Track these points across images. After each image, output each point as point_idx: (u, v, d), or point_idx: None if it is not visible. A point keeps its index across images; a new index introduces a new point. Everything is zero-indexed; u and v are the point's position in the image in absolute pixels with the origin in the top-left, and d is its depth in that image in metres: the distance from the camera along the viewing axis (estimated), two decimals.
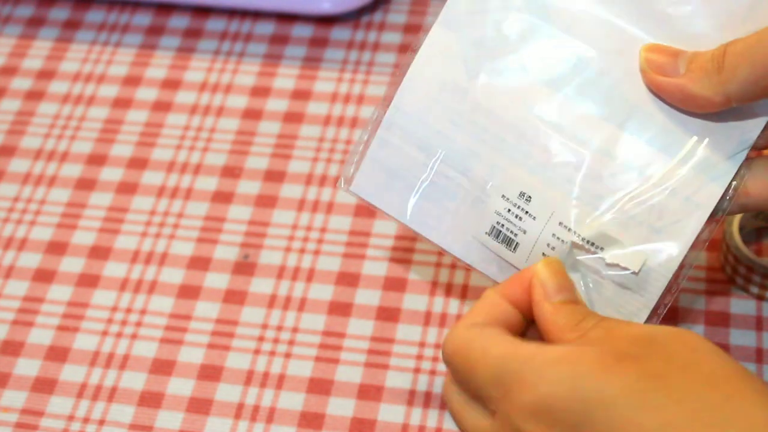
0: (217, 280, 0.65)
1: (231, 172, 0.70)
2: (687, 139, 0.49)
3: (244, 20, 0.79)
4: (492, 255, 0.52)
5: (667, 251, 0.49)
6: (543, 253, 0.50)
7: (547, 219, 0.50)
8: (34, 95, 0.76)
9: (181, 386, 0.61)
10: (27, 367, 0.62)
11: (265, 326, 0.63)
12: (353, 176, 0.54)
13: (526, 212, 0.51)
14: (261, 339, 0.62)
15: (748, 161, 0.50)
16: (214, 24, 0.79)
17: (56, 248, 0.67)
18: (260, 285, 0.65)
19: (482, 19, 0.52)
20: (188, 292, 0.65)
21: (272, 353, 0.62)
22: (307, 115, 0.73)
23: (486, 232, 0.52)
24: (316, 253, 0.66)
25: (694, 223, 0.49)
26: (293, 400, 0.60)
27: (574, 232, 0.50)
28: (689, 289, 0.62)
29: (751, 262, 0.60)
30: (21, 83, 0.77)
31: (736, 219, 0.62)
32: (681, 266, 0.49)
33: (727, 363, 0.44)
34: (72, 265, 0.66)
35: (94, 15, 0.81)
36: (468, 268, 0.53)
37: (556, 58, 0.51)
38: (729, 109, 0.48)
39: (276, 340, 0.62)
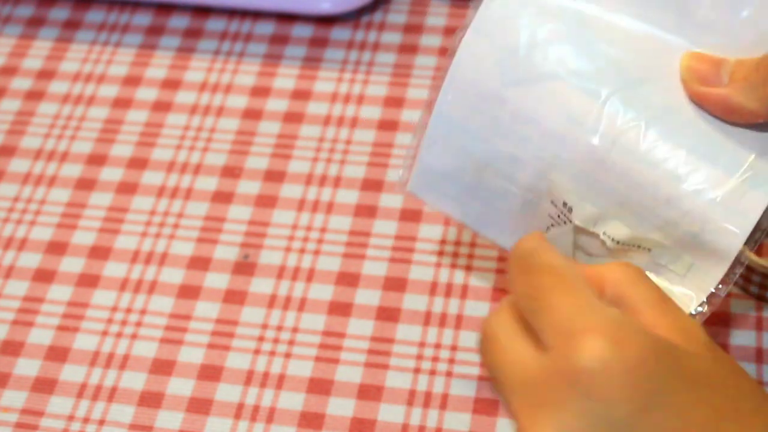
0: (217, 280, 0.65)
1: (231, 172, 0.70)
2: (731, 148, 0.48)
3: (244, 20, 0.79)
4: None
5: (709, 261, 0.48)
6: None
7: (592, 227, 0.50)
8: (34, 95, 0.76)
9: (181, 386, 0.61)
10: (27, 367, 0.62)
11: (265, 326, 0.63)
12: (409, 177, 0.54)
13: (570, 221, 0.50)
14: (261, 339, 0.62)
15: None
16: (214, 24, 0.79)
17: (56, 248, 0.67)
18: (260, 285, 0.65)
19: (515, 25, 0.51)
20: (188, 292, 0.65)
21: (272, 353, 0.62)
22: (307, 115, 0.73)
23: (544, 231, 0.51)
24: (316, 253, 0.66)
25: (739, 233, 0.48)
26: (293, 400, 0.60)
27: (617, 241, 0.49)
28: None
29: (751, 262, 0.60)
30: (21, 83, 0.77)
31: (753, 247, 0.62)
32: (726, 275, 0.48)
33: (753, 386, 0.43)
34: (72, 265, 0.66)
35: (94, 15, 0.81)
36: None
37: (593, 66, 0.50)
38: None
39: (276, 340, 0.62)
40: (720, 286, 0.48)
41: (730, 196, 0.48)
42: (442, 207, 0.54)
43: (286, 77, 0.75)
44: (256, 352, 0.62)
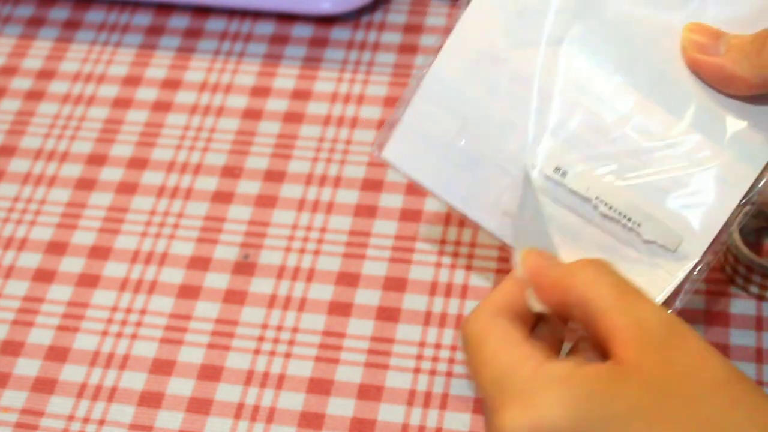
0: (217, 280, 0.65)
1: (231, 172, 0.70)
2: (725, 119, 0.50)
3: (244, 20, 0.79)
4: (517, 224, 0.52)
5: (700, 230, 0.49)
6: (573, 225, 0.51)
7: (585, 193, 0.50)
8: (34, 95, 0.76)
9: (181, 386, 0.61)
10: (27, 367, 0.62)
11: (265, 326, 0.63)
12: (386, 142, 0.53)
13: (562, 185, 0.51)
14: (261, 339, 0.62)
15: None
16: (214, 24, 0.79)
17: (56, 248, 0.67)
18: (260, 285, 0.65)
19: None
20: (188, 292, 0.65)
21: (272, 353, 0.62)
22: (307, 115, 0.73)
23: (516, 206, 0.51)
24: (316, 253, 0.66)
25: (727, 203, 0.49)
26: (293, 400, 0.60)
27: (609, 206, 0.50)
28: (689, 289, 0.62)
29: (751, 262, 0.60)
30: (21, 83, 0.77)
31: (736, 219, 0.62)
32: (711, 245, 0.49)
33: (725, 365, 0.44)
34: (72, 265, 0.66)
35: (94, 15, 0.81)
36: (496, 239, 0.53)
37: (599, 35, 0.51)
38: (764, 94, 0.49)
39: (276, 340, 0.62)
40: (707, 258, 0.49)
41: (721, 167, 0.49)
42: (418, 177, 0.52)
43: (286, 77, 0.75)
44: (256, 352, 0.62)
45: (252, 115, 0.73)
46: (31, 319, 0.64)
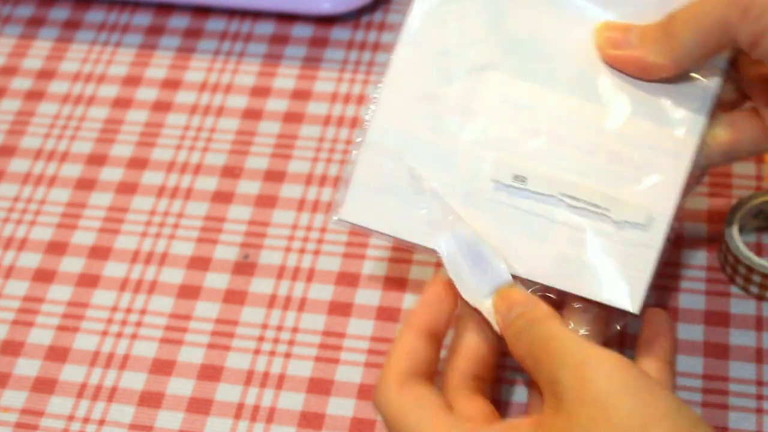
0: (217, 280, 0.65)
1: (231, 172, 0.70)
2: (656, 100, 0.53)
3: (244, 20, 0.79)
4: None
5: (660, 201, 0.52)
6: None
7: (548, 192, 0.52)
8: (34, 95, 0.76)
9: (181, 386, 0.61)
10: (27, 367, 0.62)
11: (265, 326, 0.63)
12: (343, 204, 0.55)
13: (524, 190, 0.53)
14: (261, 339, 0.62)
15: (729, 116, 0.54)
16: (214, 24, 0.79)
17: (56, 248, 0.67)
18: (260, 285, 0.65)
19: (444, 31, 0.55)
20: (188, 292, 0.65)
21: (272, 353, 0.62)
22: (307, 115, 0.73)
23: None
24: (316, 253, 0.66)
25: (678, 172, 0.52)
26: (293, 400, 0.60)
27: (576, 198, 0.52)
28: (689, 289, 0.62)
29: (751, 262, 0.61)
30: (21, 83, 0.77)
31: (736, 219, 0.62)
32: (674, 214, 0.52)
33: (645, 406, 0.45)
34: (72, 265, 0.66)
35: (94, 15, 0.81)
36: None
37: (521, 49, 0.54)
38: (687, 72, 0.52)
39: (276, 340, 0.62)
40: (674, 225, 0.52)
41: (664, 142, 0.52)
42: (380, 228, 0.54)
43: (286, 77, 0.75)
44: (256, 352, 0.62)
45: (252, 115, 0.73)
46: (31, 319, 0.64)
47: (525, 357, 0.48)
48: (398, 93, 0.55)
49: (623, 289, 0.51)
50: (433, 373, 0.51)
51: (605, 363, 0.45)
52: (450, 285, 0.52)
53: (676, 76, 0.52)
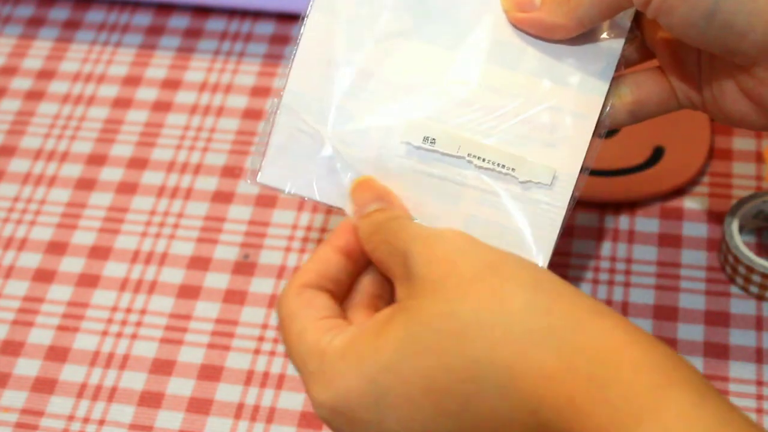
0: (217, 280, 0.65)
1: (231, 172, 0.70)
2: (561, 60, 0.54)
3: (244, 20, 0.79)
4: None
5: (567, 161, 0.53)
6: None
7: (456, 153, 0.53)
8: (34, 95, 0.76)
9: (181, 386, 0.61)
10: (27, 367, 0.62)
11: (265, 326, 0.63)
12: (261, 167, 0.55)
13: (433, 152, 0.54)
14: (261, 339, 0.62)
15: (634, 75, 0.55)
16: (214, 24, 0.79)
17: (56, 248, 0.67)
18: (260, 285, 0.65)
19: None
20: (188, 292, 0.65)
21: (272, 353, 0.62)
22: None
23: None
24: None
25: (584, 132, 0.53)
26: (293, 400, 0.60)
27: (482, 159, 0.53)
28: (689, 289, 0.62)
29: (751, 262, 0.61)
30: (21, 83, 0.77)
31: (736, 219, 0.62)
32: (580, 173, 0.53)
33: (492, 257, 0.46)
34: (72, 265, 0.66)
35: (94, 15, 0.81)
36: None
37: (431, 15, 0.55)
38: (590, 32, 0.53)
39: (276, 340, 0.62)
40: (580, 185, 0.53)
41: (570, 102, 0.54)
42: (294, 189, 0.55)
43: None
44: (256, 352, 0.62)
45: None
46: (31, 319, 0.64)
47: (378, 245, 0.49)
48: (311, 58, 0.56)
49: (530, 248, 0.52)
50: (343, 293, 0.51)
51: (453, 233, 0.47)
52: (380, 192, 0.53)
53: (580, 37, 0.53)
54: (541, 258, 0.52)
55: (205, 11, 0.80)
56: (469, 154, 0.53)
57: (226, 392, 0.60)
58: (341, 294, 0.51)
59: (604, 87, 0.54)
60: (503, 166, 0.53)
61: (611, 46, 0.54)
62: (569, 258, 0.64)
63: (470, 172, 0.53)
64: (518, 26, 0.54)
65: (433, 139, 0.53)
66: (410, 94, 0.55)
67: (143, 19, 0.80)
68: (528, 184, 0.53)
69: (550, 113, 0.54)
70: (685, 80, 0.54)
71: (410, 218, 0.51)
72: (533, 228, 0.53)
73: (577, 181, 0.53)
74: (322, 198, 0.54)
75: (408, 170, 0.54)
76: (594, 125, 0.53)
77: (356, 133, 0.54)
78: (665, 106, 0.55)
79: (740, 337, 0.60)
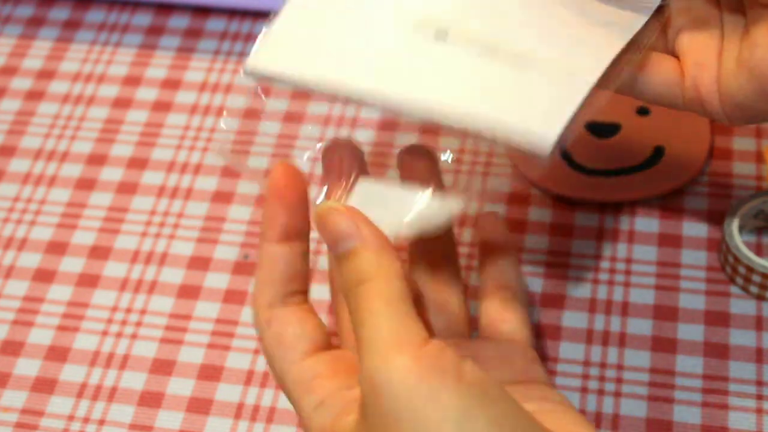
0: (217, 280, 0.65)
1: (231, 172, 0.70)
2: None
3: (244, 20, 0.79)
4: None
5: (584, 68, 0.48)
6: None
7: (468, 48, 0.49)
8: (34, 95, 0.76)
9: (181, 386, 0.61)
10: (27, 367, 0.62)
11: None
12: (256, 54, 0.49)
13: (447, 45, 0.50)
14: (261, 339, 0.62)
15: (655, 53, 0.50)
16: (214, 24, 0.79)
17: (56, 248, 0.67)
18: None
19: None
20: (188, 292, 0.65)
21: None
22: (308, 115, 0.73)
23: None
24: (317, 253, 0.66)
25: (613, 45, 0.49)
26: None
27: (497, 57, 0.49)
28: (689, 289, 0.62)
29: (751, 262, 0.61)
30: (21, 83, 0.77)
31: (736, 219, 0.62)
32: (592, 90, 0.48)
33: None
34: (72, 265, 0.66)
35: (94, 15, 0.81)
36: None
37: None
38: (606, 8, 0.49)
39: None
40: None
41: (595, 25, 0.49)
42: (291, 75, 0.49)
43: None
44: (256, 352, 0.62)
45: (252, 114, 0.73)
46: (31, 319, 0.64)
47: (349, 302, 0.45)
48: None
49: (539, 129, 0.46)
50: (304, 282, 0.50)
51: (397, 373, 0.42)
52: (295, 173, 0.49)
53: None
54: (548, 139, 0.46)
55: (205, 11, 0.80)
56: (481, 50, 0.48)
57: (226, 392, 0.60)
58: (304, 282, 0.49)
59: (628, 35, 0.49)
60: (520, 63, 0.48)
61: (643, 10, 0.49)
62: (569, 258, 0.64)
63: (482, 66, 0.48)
64: None
65: (446, 32, 0.49)
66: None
67: (143, 19, 0.80)
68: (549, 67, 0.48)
69: (574, 30, 0.49)
70: (701, 53, 0.50)
71: (381, 281, 0.45)
72: (551, 102, 0.47)
73: (593, 83, 0.47)
74: (318, 82, 0.48)
75: (419, 56, 0.49)
76: (608, 63, 0.48)
77: (366, 26, 0.50)
78: (670, 94, 0.51)
79: (740, 337, 0.60)
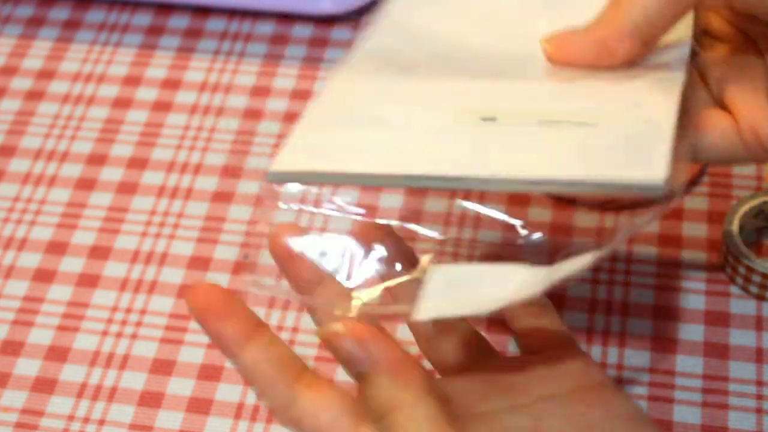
0: (217, 280, 0.65)
1: (231, 172, 0.70)
2: (625, 84, 0.48)
3: (244, 20, 0.79)
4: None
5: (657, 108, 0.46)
6: None
7: (524, 122, 0.48)
8: (34, 95, 0.76)
9: (181, 386, 0.61)
10: (27, 367, 0.62)
11: None
12: (277, 159, 0.47)
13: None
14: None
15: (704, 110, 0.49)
16: (214, 24, 0.79)
17: (56, 248, 0.67)
18: None
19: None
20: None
21: None
22: None
23: None
24: None
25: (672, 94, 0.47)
26: None
27: (559, 122, 0.47)
28: (689, 289, 0.62)
29: (751, 262, 0.61)
30: (21, 83, 0.77)
31: (736, 219, 0.62)
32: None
33: None
34: (72, 265, 0.66)
35: (94, 15, 0.81)
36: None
37: (489, 58, 0.51)
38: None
39: None
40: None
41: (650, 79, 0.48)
42: (318, 167, 0.46)
43: (286, 77, 0.75)
44: None
45: (252, 115, 0.73)
46: (31, 319, 0.64)
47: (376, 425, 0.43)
48: (366, 58, 0.53)
49: (644, 162, 0.43)
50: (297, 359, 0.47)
51: None
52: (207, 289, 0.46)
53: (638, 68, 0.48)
54: (659, 170, 0.43)
55: (205, 11, 0.80)
56: (539, 121, 0.46)
57: (226, 392, 0.60)
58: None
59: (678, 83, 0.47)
60: (584, 123, 0.46)
61: (674, 75, 0.48)
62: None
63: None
64: (561, 58, 0.49)
65: (493, 117, 0.47)
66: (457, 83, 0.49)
67: (143, 19, 0.80)
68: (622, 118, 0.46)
69: (631, 89, 0.47)
70: (752, 99, 0.49)
71: (406, 418, 0.43)
72: (643, 140, 0.44)
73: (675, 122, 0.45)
74: (345, 174, 0.45)
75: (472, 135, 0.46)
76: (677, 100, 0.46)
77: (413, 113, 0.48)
78: (728, 143, 0.49)
79: (740, 337, 0.60)
